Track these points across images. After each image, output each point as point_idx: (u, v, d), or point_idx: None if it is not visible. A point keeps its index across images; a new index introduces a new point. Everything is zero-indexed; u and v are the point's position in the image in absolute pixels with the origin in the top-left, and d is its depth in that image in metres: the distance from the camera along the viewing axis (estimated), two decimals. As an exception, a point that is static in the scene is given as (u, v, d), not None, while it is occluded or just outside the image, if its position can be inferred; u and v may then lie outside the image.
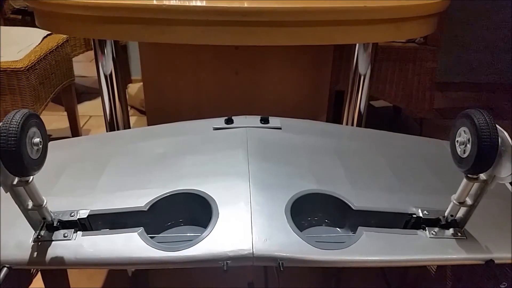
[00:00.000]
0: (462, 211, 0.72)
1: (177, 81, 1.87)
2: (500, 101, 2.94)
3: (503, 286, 0.67)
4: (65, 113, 2.21)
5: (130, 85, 2.70)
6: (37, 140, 0.61)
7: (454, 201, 0.70)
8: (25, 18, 2.50)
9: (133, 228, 0.72)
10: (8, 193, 0.62)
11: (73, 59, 2.17)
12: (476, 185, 0.67)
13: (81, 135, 2.23)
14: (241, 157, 0.89)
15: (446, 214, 0.73)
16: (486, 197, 0.76)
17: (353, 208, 0.77)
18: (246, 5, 1.20)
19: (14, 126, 0.56)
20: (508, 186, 0.88)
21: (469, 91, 3.06)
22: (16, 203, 0.65)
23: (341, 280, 1.29)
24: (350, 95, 1.54)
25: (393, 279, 1.30)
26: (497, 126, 0.63)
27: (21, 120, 0.57)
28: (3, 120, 0.57)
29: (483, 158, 0.61)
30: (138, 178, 0.85)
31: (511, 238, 0.73)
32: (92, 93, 2.80)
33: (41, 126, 0.62)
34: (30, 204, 0.66)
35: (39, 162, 0.62)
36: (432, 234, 0.73)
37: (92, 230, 0.74)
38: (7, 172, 0.58)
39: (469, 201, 0.70)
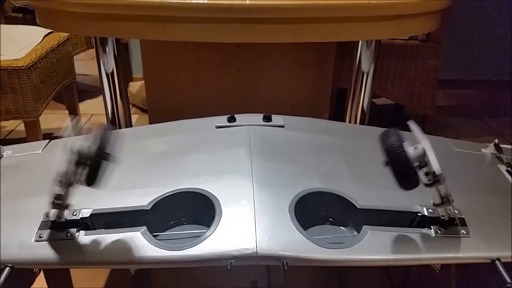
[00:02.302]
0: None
1: (178, 79, 1.87)
2: (502, 98, 2.93)
3: (509, 285, 0.66)
4: (67, 111, 2.21)
5: (131, 83, 2.69)
6: None
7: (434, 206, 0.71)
8: (26, 17, 2.50)
9: (136, 227, 0.71)
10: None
11: (74, 57, 2.17)
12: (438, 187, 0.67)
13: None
14: (244, 155, 0.88)
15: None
16: (492, 195, 0.76)
17: (358, 206, 0.77)
18: (248, 2, 1.19)
19: None
20: (510, 178, 0.87)
21: (472, 88, 3.05)
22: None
23: (344, 279, 1.28)
24: (353, 93, 1.53)
25: (396, 277, 1.30)
26: (416, 131, 0.64)
27: None
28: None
29: (401, 180, 0.64)
30: (140, 177, 0.85)
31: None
32: (93, 91, 2.80)
33: None
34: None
35: None
36: (437, 232, 0.72)
37: (94, 229, 0.73)
38: None
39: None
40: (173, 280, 1.18)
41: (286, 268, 0.67)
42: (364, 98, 1.52)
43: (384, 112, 2.70)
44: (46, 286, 1.07)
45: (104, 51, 1.41)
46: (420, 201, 0.78)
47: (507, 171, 0.90)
